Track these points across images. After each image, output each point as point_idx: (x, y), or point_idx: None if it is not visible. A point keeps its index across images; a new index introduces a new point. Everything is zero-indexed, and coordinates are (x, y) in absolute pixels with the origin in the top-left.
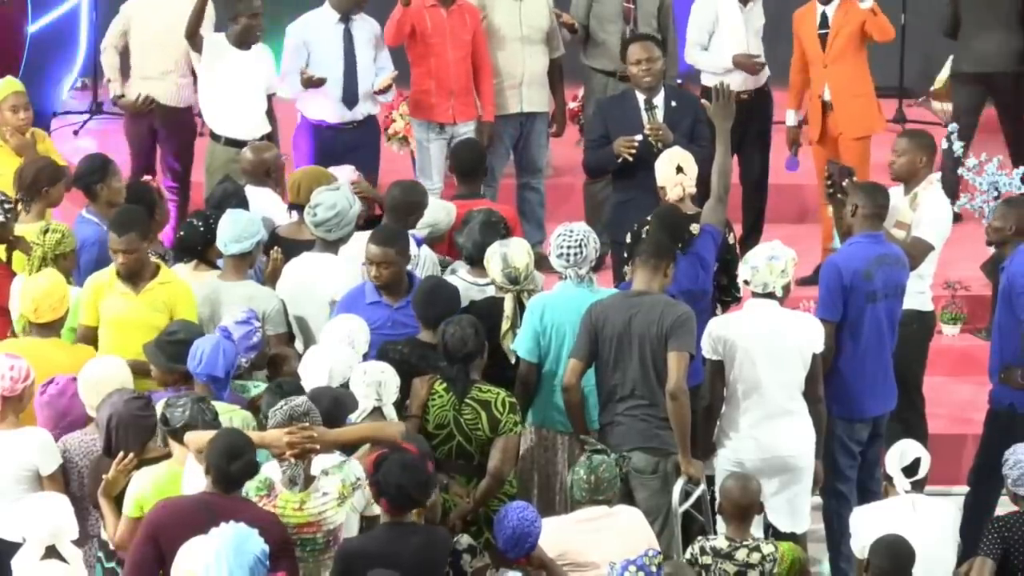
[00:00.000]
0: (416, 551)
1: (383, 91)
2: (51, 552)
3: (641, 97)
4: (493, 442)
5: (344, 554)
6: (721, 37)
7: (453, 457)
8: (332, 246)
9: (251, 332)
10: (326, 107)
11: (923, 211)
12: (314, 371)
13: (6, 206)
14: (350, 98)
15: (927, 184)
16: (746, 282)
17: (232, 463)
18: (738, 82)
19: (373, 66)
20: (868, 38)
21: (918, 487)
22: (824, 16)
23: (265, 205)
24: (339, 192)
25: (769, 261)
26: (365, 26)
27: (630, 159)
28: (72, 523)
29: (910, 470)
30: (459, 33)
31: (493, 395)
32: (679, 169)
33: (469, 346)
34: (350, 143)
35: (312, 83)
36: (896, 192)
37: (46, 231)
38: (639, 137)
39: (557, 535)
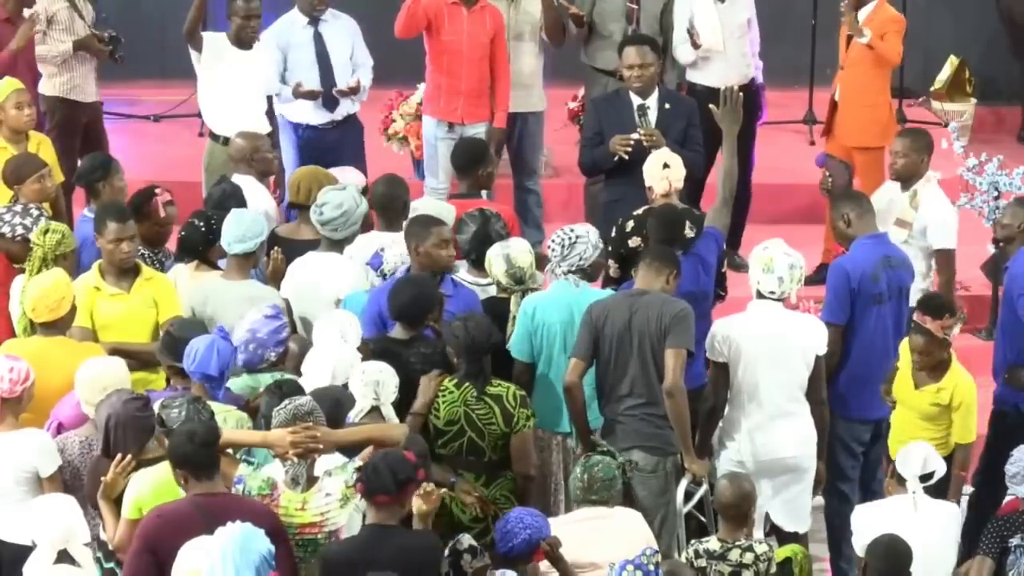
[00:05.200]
0: (395, 555)
1: (345, 93)
2: (63, 556)
3: (635, 100)
4: (509, 442)
5: (323, 557)
6: (702, 37)
7: (464, 454)
8: (337, 245)
9: (281, 327)
10: (307, 110)
11: (927, 215)
12: (317, 371)
13: (33, 214)
14: (328, 100)
15: (925, 182)
16: (771, 292)
17: (191, 444)
18: (720, 76)
19: (349, 64)
20: None
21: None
22: (857, 20)
23: (248, 193)
24: (346, 192)
25: (791, 270)
26: (337, 24)
27: (626, 157)
28: (83, 525)
29: (925, 476)
30: (477, 34)
31: (504, 389)
32: (665, 165)
33: (494, 337)
34: (333, 143)
35: (306, 95)
36: (893, 188)
37: (46, 231)
38: (635, 136)
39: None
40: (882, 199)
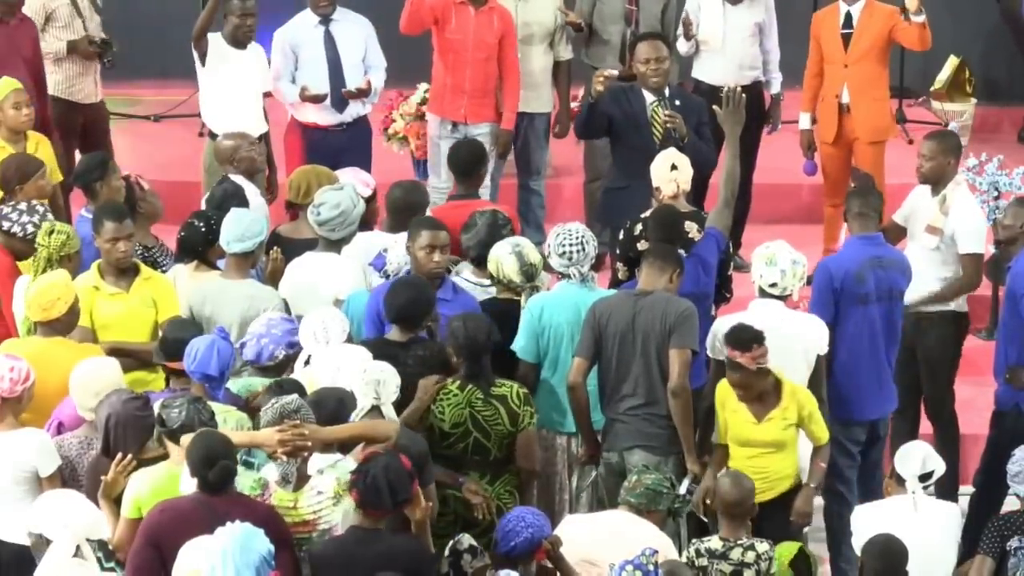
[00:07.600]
0: (375, 560)
1: (354, 95)
2: (76, 550)
3: (649, 97)
4: (515, 440)
5: (310, 557)
6: (702, 30)
7: (469, 454)
8: (335, 245)
9: (294, 330)
10: (316, 110)
11: (957, 221)
12: (348, 370)
13: (39, 211)
14: (338, 101)
15: (954, 186)
16: (772, 285)
17: (209, 470)
18: (721, 74)
19: (361, 65)
20: (894, 42)
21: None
22: (848, 16)
23: None
24: (343, 192)
25: (793, 265)
26: (349, 25)
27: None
28: (101, 516)
29: (925, 476)
30: (484, 35)
31: (508, 389)
32: (673, 167)
33: (493, 336)
34: (340, 145)
35: (311, 99)
36: (923, 192)
37: (51, 232)
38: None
39: (572, 529)
40: (907, 202)
